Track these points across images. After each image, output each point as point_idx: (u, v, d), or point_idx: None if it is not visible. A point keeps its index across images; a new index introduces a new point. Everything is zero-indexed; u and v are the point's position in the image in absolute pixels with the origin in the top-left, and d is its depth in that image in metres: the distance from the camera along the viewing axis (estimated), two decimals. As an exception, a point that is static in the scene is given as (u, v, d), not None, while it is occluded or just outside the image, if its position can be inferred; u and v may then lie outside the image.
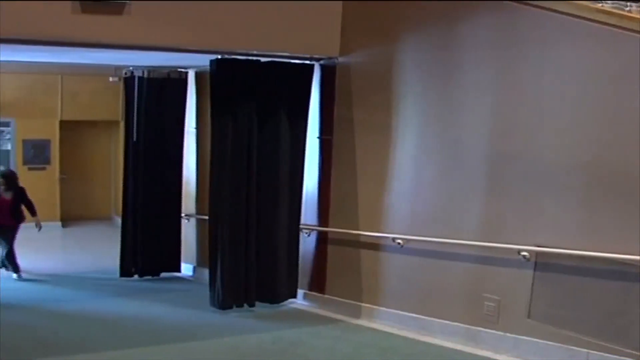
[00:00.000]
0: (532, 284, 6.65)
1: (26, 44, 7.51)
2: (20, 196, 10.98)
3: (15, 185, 11.02)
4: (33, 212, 10.98)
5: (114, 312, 8.70)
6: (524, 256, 6.60)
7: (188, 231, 10.83)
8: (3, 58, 9.91)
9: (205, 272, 9.71)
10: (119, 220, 15.08)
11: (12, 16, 6.82)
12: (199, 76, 10.42)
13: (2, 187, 10.83)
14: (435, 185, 7.50)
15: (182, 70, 10.39)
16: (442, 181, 7.44)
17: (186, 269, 10.92)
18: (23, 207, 10.94)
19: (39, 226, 10.91)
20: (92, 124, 16.24)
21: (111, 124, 16.36)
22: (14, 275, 10.67)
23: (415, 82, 7.68)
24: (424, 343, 7.31)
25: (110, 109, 15.69)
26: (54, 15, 6.99)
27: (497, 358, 6.78)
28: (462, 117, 7.22)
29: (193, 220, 10.75)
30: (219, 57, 8.12)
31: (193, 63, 9.92)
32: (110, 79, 13.17)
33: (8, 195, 10.85)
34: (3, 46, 7.70)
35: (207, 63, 8.49)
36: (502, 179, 6.86)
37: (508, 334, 6.84)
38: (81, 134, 16.23)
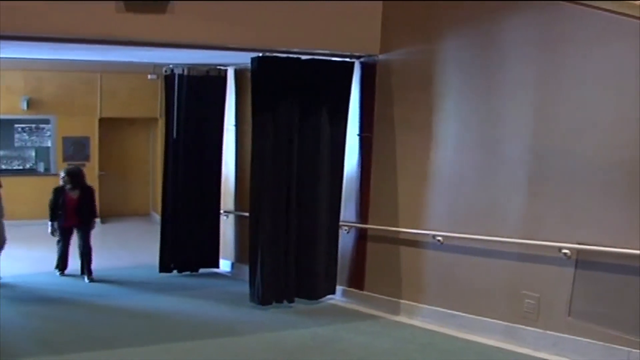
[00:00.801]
0: (573, 282, 6.63)
1: (71, 42, 7.65)
2: (87, 195, 10.61)
3: (82, 183, 10.64)
4: (93, 214, 10.67)
5: (154, 307, 8.79)
6: (565, 254, 6.58)
7: (226, 228, 10.89)
8: (47, 56, 10.10)
9: (243, 268, 9.79)
10: (156, 217, 15.25)
11: (57, 15, 6.97)
12: (238, 74, 10.48)
13: (68, 186, 10.41)
14: (475, 183, 7.50)
15: (222, 67, 10.45)
16: (482, 178, 7.43)
17: (224, 265, 10.97)
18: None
19: (92, 228, 10.62)
20: (131, 121, 16.38)
21: (149, 121, 16.48)
22: (86, 279, 10.36)
23: (456, 80, 7.69)
24: (464, 340, 7.32)
25: (149, 107, 15.81)
26: (99, 15, 7.11)
27: (537, 356, 6.77)
28: (503, 115, 7.21)
29: (232, 217, 10.81)
30: (260, 55, 8.18)
31: (232, 61, 9.98)
32: (149, 76, 13.28)
33: (74, 194, 10.43)
34: (47, 44, 7.85)
35: (247, 61, 8.55)
36: (544, 177, 6.84)
37: (548, 332, 6.82)
38: (120, 131, 16.38)
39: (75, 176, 10.53)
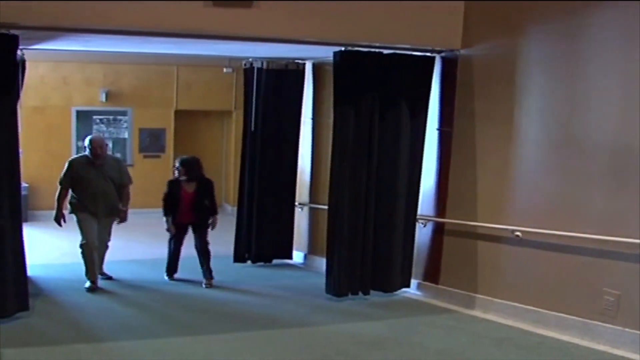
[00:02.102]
0: (655, 280, 6.60)
1: (159, 36, 7.87)
2: (206, 189, 9.53)
3: (200, 175, 9.51)
4: (214, 210, 9.58)
5: (230, 296, 8.93)
6: (647, 251, 6.55)
7: (300, 220, 10.99)
8: (132, 49, 10.32)
9: (316, 260, 9.93)
10: (228, 208, 15.44)
11: (147, 10, 7.20)
12: (316, 68, 10.56)
13: (183, 178, 9.34)
14: (556, 178, 7.49)
15: (300, 61, 10.54)
16: (564, 174, 7.42)
17: (297, 256, 11.07)
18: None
19: (213, 225, 9.54)
20: (206, 113, 16.55)
21: (223, 114, 16.66)
22: (204, 284, 9.37)
23: (539, 74, 7.69)
24: (540, 335, 7.32)
25: (223, 99, 16.03)
26: (187, 9, 7.31)
27: (615, 353, 6.74)
28: (587, 110, 7.20)
29: (306, 209, 10.92)
30: (343, 49, 8.25)
31: (311, 55, 10.07)
32: (224, 69, 13.46)
33: (191, 188, 9.37)
34: (135, 38, 8.06)
35: (325, 55, 8.66)
36: (626, 173, 6.81)
37: (627, 329, 6.78)
38: (194, 123, 16.54)
39: (191, 167, 9.41)
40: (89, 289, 8.87)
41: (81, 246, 8.97)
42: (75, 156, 9.57)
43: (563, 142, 7.44)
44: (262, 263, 10.83)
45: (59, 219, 9.14)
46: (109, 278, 9.47)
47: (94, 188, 9.02)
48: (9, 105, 7.16)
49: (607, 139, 7.02)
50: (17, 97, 7.45)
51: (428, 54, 8.62)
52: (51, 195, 14.58)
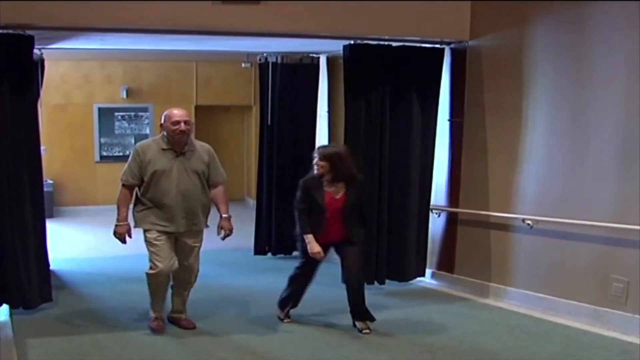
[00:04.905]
0: (663, 266, 6.65)
1: (170, 33, 8.00)
2: (357, 193, 6.86)
3: (349, 173, 6.79)
4: (365, 224, 7.18)
5: (252, 287, 9.06)
6: (655, 237, 6.59)
7: (319, 211, 11.05)
8: (146, 47, 10.45)
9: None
10: (250, 202, 15.51)
11: (158, 8, 7.33)
12: (330, 61, 10.62)
13: (327, 177, 6.72)
14: (566, 167, 7.55)
15: (314, 55, 10.62)
16: (573, 163, 7.48)
17: (315, 248, 11.15)
18: None
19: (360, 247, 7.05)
20: (225, 108, 16.64)
21: (243, 109, 16.75)
22: (358, 327, 6.97)
23: (547, 64, 7.72)
24: (551, 322, 7.41)
25: (243, 94, 16.12)
26: (197, 6, 7.44)
27: (624, 339, 6.81)
28: (595, 100, 7.24)
29: (324, 201, 10.97)
30: (352, 42, 8.32)
31: (324, 48, 10.16)
32: (243, 64, 13.53)
33: (338, 191, 6.75)
34: (147, 35, 8.19)
35: (339, 48, 8.71)
36: (635, 161, 6.85)
37: (636, 316, 6.86)
38: (215, 118, 16.62)
39: (338, 162, 6.71)
40: (154, 329, 6.88)
41: (148, 275, 6.67)
42: (145, 141, 6.79)
43: (572, 131, 7.48)
44: (282, 255, 10.90)
45: (121, 233, 6.64)
46: (187, 326, 7.11)
47: (169, 188, 6.48)
48: (27, 104, 7.30)
49: (615, 127, 7.07)
50: (37, 95, 7.57)
51: (437, 45, 8.67)
52: (75, 190, 14.98)
